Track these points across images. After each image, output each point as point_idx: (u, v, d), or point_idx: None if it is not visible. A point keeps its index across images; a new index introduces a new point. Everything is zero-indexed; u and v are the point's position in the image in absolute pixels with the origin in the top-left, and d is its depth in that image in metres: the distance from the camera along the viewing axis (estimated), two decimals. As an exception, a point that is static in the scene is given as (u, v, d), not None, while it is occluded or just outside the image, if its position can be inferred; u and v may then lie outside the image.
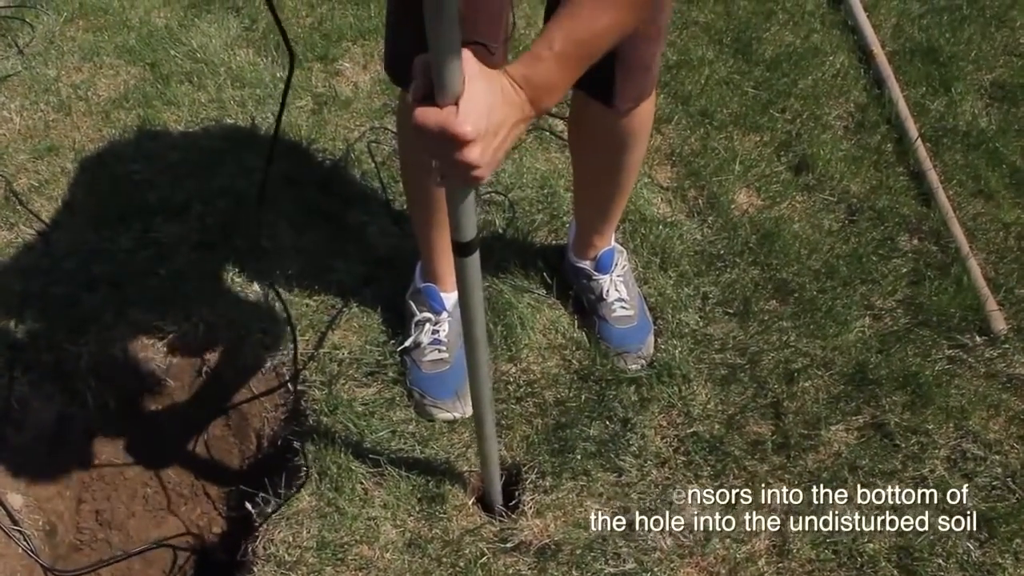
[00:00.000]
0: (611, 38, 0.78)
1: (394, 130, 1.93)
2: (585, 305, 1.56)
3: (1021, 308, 1.63)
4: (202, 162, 1.89)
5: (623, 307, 1.49)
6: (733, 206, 1.79)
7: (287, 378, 1.49)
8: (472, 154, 0.73)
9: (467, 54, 0.73)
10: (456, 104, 0.72)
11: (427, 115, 0.73)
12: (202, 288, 1.64)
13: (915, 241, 1.76)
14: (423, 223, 1.41)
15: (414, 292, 1.50)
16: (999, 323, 1.58)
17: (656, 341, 1.53)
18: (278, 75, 2.12)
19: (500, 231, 1.70)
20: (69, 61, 2.25)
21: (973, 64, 2.23)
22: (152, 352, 1.59)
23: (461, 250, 0.89)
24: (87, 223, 1.79)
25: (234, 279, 1.65)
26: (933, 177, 1.87)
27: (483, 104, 0.73)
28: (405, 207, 1.75)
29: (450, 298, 1.48)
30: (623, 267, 1.53)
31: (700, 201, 1.81)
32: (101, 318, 1.61)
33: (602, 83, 1.15)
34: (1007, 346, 1.56)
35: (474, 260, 0.91)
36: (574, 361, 1.50)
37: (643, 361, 1.48)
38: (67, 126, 2.04)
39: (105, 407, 1.59)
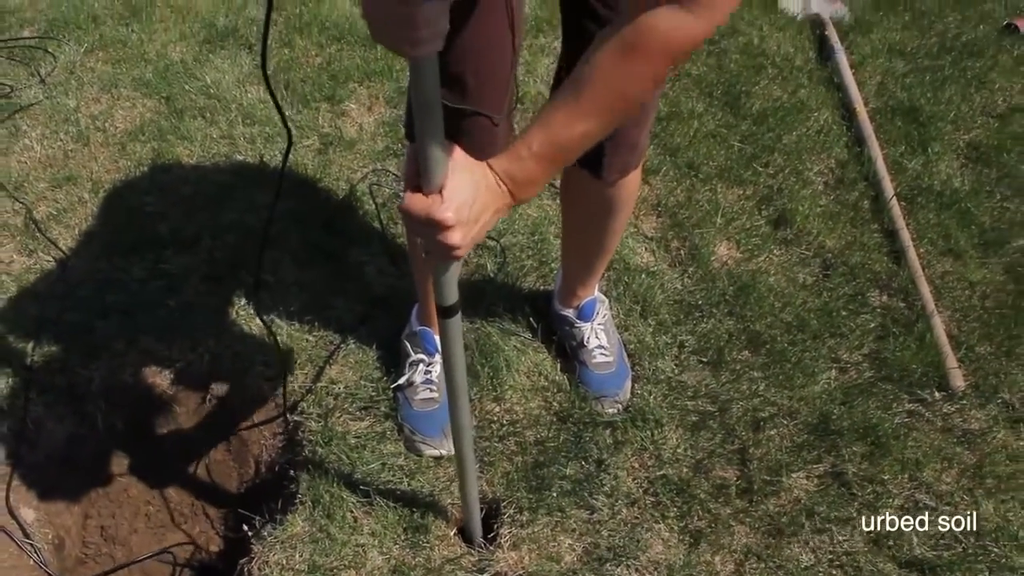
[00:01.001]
0: (587, 142, 0.88)
1: (395, 172, 2.06)
2: (567, 350, 1.68)
3: (980, 366, 1.75)
4: (213, 197, 2.02)
5: (603, 354, 1.62)
6: (713, 258, 1.92)
7: (286, 410, 1.61)
8: (453, 238, 0.84)
9: (454, 147, 0.85)
10: (440, 193, 0.84)
11: (413, 202, 0.84)
12: (208, 319, 1.76)
13: (884, 297, 1.88)
14: (421, 271, 1.53)
15: (410, 334, 1.63)
16: (957, 380, 1.70)
17: (633, 386, 1.65)
18: (288, 114, 2.26)
19: (491, 275, 1.83)
20: (88, 92, 2.38)
21: (952, 124, 2.36)
22: (159, 379, 1.71)
23: (443, 313, 1.02)
24: (102, 252, 1.91)
25: (239, 312, 1.77)
26: (905, 236, 1.99)
27: (466, 194, 0.84)
28: (403, 247, 1.87)
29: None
30: (604, 316, 1.65)
31: (682, 252, 1.93)
32: (113, 345, 1.73)
33: (591, 155, 1.27)
34: (964, 402, 1.68)
35: (456, 321, 1.03)
36: (555, 403, 1.62)
37: (620, 405, 1.60)
38: (85, 156, 2.17)
39: (113, 429, 1.71)
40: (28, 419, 1.63)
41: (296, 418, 1.60)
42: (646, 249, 1.94)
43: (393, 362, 1.67)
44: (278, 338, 1.69)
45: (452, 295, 1.00)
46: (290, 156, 2.08)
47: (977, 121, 2.39)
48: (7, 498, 1.54)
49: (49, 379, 1.69)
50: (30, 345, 1.73)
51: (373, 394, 1.62)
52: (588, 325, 1.62)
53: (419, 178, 0.85)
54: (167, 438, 1.72)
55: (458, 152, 0.85)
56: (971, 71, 2.56)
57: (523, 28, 1.21)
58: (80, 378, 1.69)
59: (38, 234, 1.96)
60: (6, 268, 1.88)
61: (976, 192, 2.14)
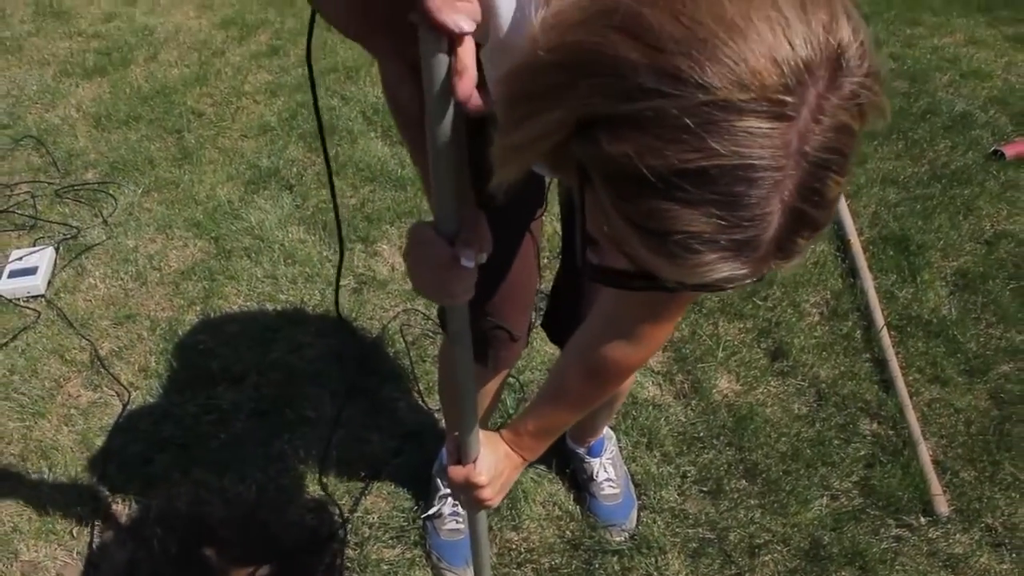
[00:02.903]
0: (575, 420, 1.18)
1: (424, 312, 2.32)
2: (579, 481, 1.89)
3: (964, 491, 1.93)
4: (258, 336, 2.29)
5: (610, 486, 1.83)
6: (715, 390, 2.14)
7: (325, 538, 1.83)
8: (486, 493, 1.12)
9: (481, 432, 1.11)
10: (474, 463, 1.12)
11: (456, 472, 1.13)
12: (255, 452, 2.00)
13: (874, 425, 2.08)
14: (450, 412, 1.76)
15: (439, 469, 1.85)
16: (942, 506, 1.89)
17: (639, 515, 1.85)
18: (324, 254, 2.54)
19: (511, 411, 2.06)
20: (145, 232, 2.69)
21: (940, 252, 2.59)
22: (211, 508, 1.94)
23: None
24: (159, 387, 2.17)
25: (283, 446, 2.01)
26: (894, 365, 2.20)
27: (492, 462, 1.13)
28: (432, 385, 2.11)
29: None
30: (612, 451, 1.87)
31: (686, 385, 2.16)
32: (169, 476, 1.97)
33: None
34: (948, 527, 1.86)
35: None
36: (568, 531, 1.83)
37: (626, 534, 1.81)
38: (143, 295, 2.46)
39: (168, 553, 1.93)
40: (93, 543, 1.86)
41: (335, 546, 1.82)
42: (653, 383, 2.17)
43: (423, 493, 1.89)
44: (319, 474, 1.92)
45: (473, 454, 1.24)
46: (326, 295, 2.36)
47: (965, 248, 2.61)
48: (77, 621, 1.76)
49: (113, 507, 1.93)
50: (97, 476, 1.97)
51: (404, 523, 1.84)
52: (597, 460, 1.85)
53: (458, 453, 1.13)
54: (217, 562, 1.93)
55: (483, 434, 1.13)
56: (960, 198, 2.81)
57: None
58: (139, 506, 1.93)
59: (102, 370, 2.22)
60: (75, 402, 2.15)
61: (963, 319, 2.36)
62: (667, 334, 1.08)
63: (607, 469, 1.85)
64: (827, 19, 0.53)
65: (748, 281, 0.60)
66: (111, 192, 2.87)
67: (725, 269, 0.57)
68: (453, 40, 0.66)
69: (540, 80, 0.59)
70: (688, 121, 0.52)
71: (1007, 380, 2.19)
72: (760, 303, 2.39)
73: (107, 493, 1.95)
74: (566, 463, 1.94)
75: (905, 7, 4.16)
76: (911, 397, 2.13)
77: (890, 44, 3.81)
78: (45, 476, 1.95)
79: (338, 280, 1.32)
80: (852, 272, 2.51)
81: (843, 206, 2.71)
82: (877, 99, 0.56)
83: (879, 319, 2.33)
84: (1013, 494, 1.93)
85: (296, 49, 3.77)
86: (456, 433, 1.12)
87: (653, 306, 0.99)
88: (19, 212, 2.78)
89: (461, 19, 0.65)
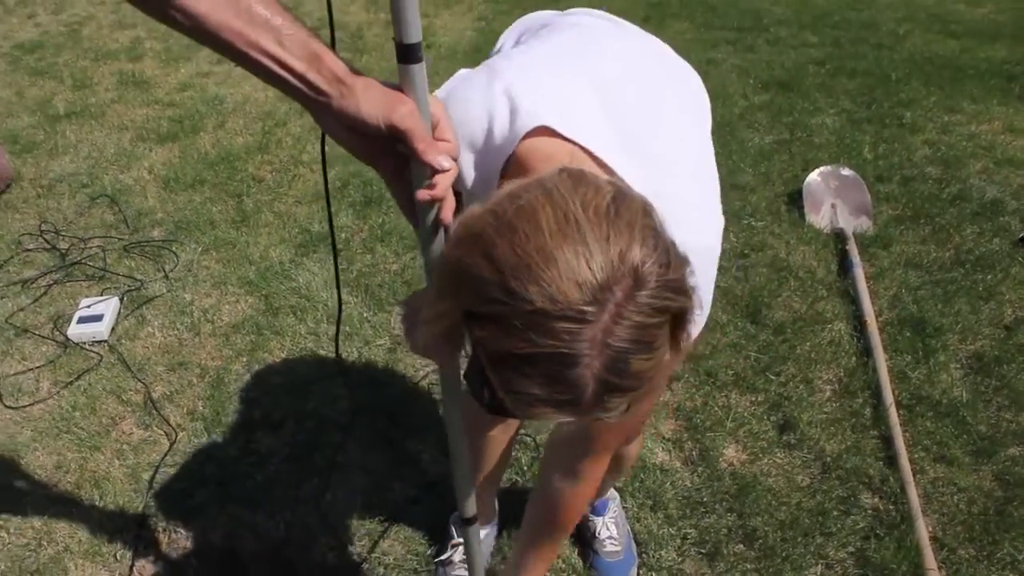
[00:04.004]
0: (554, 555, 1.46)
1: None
2: (583, 538, 2.04)
3: (960, 568, 2.02)
4: (297, 387, 2.51)
5: (612, 543, 1.98)
6: (721, 459, 2.28)
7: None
8: None
9: None
10: None
11: None
12: (287, 494, 2.20)
13: (875, 500, 2.19)
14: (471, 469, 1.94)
15: (455, 518, 2.02)
16: (935, 581, 1.98)
17: (639, 572, 1.99)
18: (364, 315, 2.77)
19: (524, 468, 2.23)
20: (202, 288, 2.96)
21: (958, 336, 2.70)
22: (243, 541, 2.14)
23: (466, 522, 1.43)
24: (204, 430, 2.40)
25: (312, 489, 2.21)
26: (899, 442, 2.31)
27: None
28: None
29: (483, 530, 1.99)
30: (615, 511, 2.03)
31: (694, 453, 2.30)
32: (207, 510, 2.18)
33: None
34: (941, 602, 1.96)
35: (475, 528, 1.44)
36: (570, 584, 1.98)
37: (625, 589, 1.95)
38: (195, 345, 2.71)
39: (201, 584, 2.12)
40: (135, 567, 2.07)
41: (352, 584, 2.00)
42: (663, 449, 2.31)
43: (438, 538, 2.06)
44: (343, 516, 2.11)
45: (471, 511, 1.42)
46: (363, 352, 2.58)
47: (983, 332, 2.72)
48: (115, 639, 1.95)
49: (155, 535, 2.14)
50: (142, 506, 2.19)
51: (416, 566, 2.01)
52: (600, 519, 2.00)
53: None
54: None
55: None
56: (982, 283, 2.92)
57: None
58: (178, 535, 2.14)
59: (154, 411, 2.46)
60: (127, 439, 2.39)
61: (974, 401, 2.45)
62: (603, 469, 1.37)
63: (609, 527, 2.00)
64: (624, 247, 0.76)
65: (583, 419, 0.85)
66: (174, 249, 3.16)
67: (557, 417, 0.81)
68: (436, 172, 0.91)
69: (442, 277, 0.87)
70: (517, 322, 0.76)
71: (1015, 463, 2.27)
72: (773, 378, 2.53)
73: (150, 522, 2.16)
74: (572, 519, 2.09)
75: (944, 95, 4.31)
76: (915, 475, 2.23)
77: (927, 131, 3.96)
78: (96, 503, 2.18)
79: (339, 291, 1.51)
80: (866, 351, 2.63)
81: (862, 288, 2.85)
82: (674, 304, 0.80)
83: (888, 397, 2.45)
84: (1010, 574, 2.01)
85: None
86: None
87: (584, 443, 1.31)
88: (91, 264, 3.08)
89: (442, 158, 0.90)
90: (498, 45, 1.39)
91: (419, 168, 0.92)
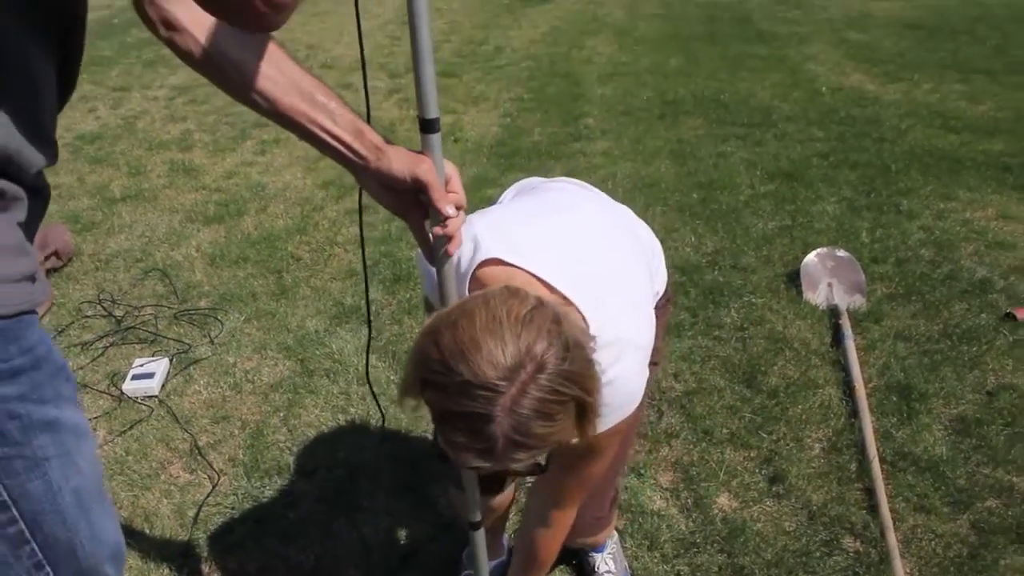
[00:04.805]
0: None
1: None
2: (583, 572, 2.27)
3: (934, 606, 2.22)
4: (329, 439, 2.79)
5: None
6: (714, 506, 2.50)
7: (367, 601, 2.24)
8: None
9: None
10: None
11: None
12: (317, 530, 2.45)
13: (857, 544, 2.39)
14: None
15: (467, 552, 2.26)
16: (908, 616, 2.17)
17: (634, 602, 2.21)
18: (391, 377, 3.06)
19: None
20: (244, 352, 3.28)
21: (942, 400, 2.93)
22: (276, 573, 2.38)
23: (471, 527, 1.68)
24: (244, 474, 2.67)
25: (340, 527, 2.46)
26: (882, 494, 2.52)
27: None
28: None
29: (492, 562, 2.22)
30: (612, 548, 2.25)
31: (689, 500, 2.52)
32: (245, 543, 2.43)
33: None
34: (915, 636, 2.15)
35: (480, 533, 1.69)
36: (571, 611, 2.19)
37: (621, 618, 2.16)
38: (237, 402, 3.01)
39: (236, 612, 2.36)
40: (179, 598, 2.31)
41: (373, 609, 2.23)
42: (660, 497, 2.54)
43: (451, 572, 2.29)
44: (366, 550, 2.36)
45: (476, 516, 1.67)
46: (391, 410, 2.85)
47: (967, 397, 2.94)
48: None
49: (197, 565, 2.38)
50: (186, 539, 2.45)
51: (432, 594, 2.24)
52: (600, 555, 2.23)
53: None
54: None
55: None
56: (968, 354, 3.15)
57: None
58: (218, 565, 2.38)
59: (199, 457, 2.74)
60: (174, 481, 2.66)
61: (954, 458, 2.66)
62: (571, 518, 1.68)
63: (608, 563, 2.22)
64: (531, 342, 1.08)
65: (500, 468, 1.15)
66: (219, 317, 3.49)
67: (478, 463, 1.12)
68: (445, 218, 1.25)
69: (411, 356, 1.18)
70: (452, 389, 1.08)
71: (990, 513, 2.47)
72: (766, 436, 2.77)
73: (194, 552, 2.41)
74: (573, 555, 2.32)
75: (941, 184, 4.63)
76: (895, 522, 2.44)
77: (923, 217, 4.26)
78: (146, 535, 2.44)
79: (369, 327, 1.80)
80: (855, 413, 2.86)
81: (853, 358, 3.09)
82: (569, 390, 1.11)
83: (872, 451, 2.67)
84: (980, 612, 2.20)
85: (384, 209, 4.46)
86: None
87: (554, 497, 1.63)
88: (143, 329, 3.42)
89: (450, 208, 1.25)
90: (500, 197, 1.82)
91: (434, 214, 1.25)
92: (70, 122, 5.96)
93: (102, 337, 3.39)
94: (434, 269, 1.34)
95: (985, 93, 6.45)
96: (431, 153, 1.24)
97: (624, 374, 1.40)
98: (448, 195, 1.25)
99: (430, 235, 1.29)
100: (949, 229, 4.12)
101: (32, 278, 1.01)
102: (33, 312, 1.01)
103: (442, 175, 1.25)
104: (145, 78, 7.34)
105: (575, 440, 1.20)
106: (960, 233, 4.08)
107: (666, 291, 1.76)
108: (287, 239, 4.19)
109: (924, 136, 5.46)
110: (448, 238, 1.27)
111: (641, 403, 1.51)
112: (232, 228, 4.33)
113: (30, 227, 1.05)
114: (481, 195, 4.63)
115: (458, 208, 1.27)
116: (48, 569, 1.06)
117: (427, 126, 1.23)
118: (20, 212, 1.01)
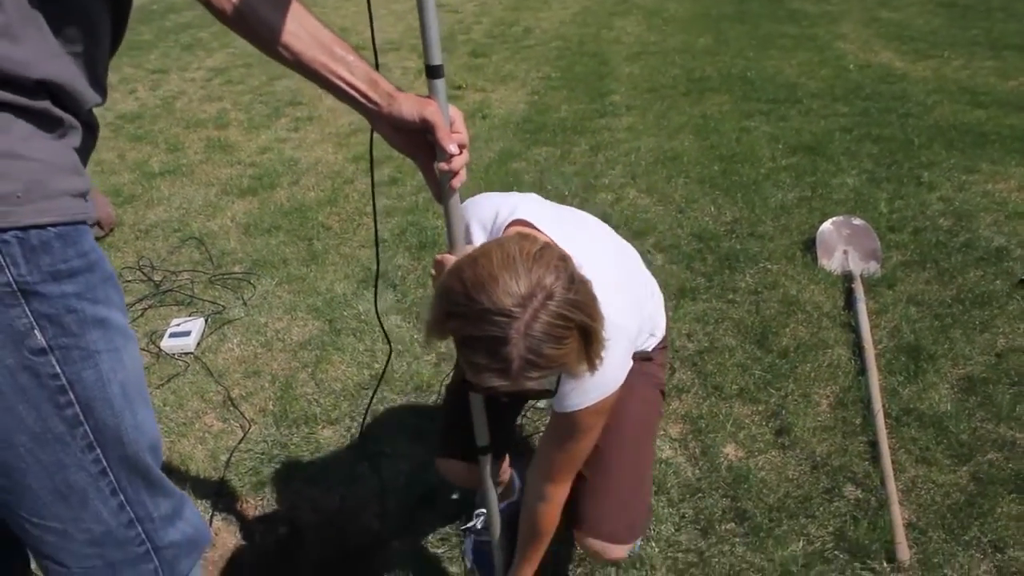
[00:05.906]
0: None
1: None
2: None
3: (928, 547, 2.30)
4: (353, 392, 2.94)
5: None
6: (721, 455, 2.61)
7: (387, 539, 2.38)
8: None
9: None
10: None
11: None
12: (340, 473, 2.60)
13: (857, 491, 2.48)
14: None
15: (480, 496, 2.38)
16: (904, 553, 2.26)
17: (639, 544, 2.32)
18: (414, 336, 3.20)
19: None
20: (275, 313, 3.44)
21: (951, 361, 3.00)
22: (301, 512, 2.53)
23: (481, 451, 1.81)
24: (273, 423, 2.83)
25: (363, 470, 2.60)
26: (884, 445, 2.60)
27: None
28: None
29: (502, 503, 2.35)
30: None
31: (697, 450, 2.63)
32: (273, 485, 2.59)
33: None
34: (909, 572, 2.24)
35: (487, 458, 1.82)
36: (575, 546, 2.31)
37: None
38: (268, 358, 3.17)
39: (266, 542, 2.51)
40: (212, 529, 2.47)
41: (395, 544, 2.37)
42: (669, 447, 2.66)
43: (468, 513, 2.43)
44: (388, 492, 2.50)
45: (484, 439, 1.80)
46: (411, 365, 2.99)
47: (975, 359, 3.01)
48: None
49: (230, 503, 2.55)
50: (219, 480, 2.61)
51: (448, 531, 2.38)
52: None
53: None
54: (303, 554, 2.51)
55: None
56: (979, 318, 3.22)
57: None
58: (248, 504, 2.54)
59: (231, 407, 2.91)
60: (208, 429, 2.83)
61: (958, 414, 2.74)
62: (564, 492, 1.81)
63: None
64: (542, 275, 1.24)
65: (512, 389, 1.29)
66: (252, 282, 3.66)
67: (497, 382, 1.26)
68: (450, 156, 1.40)
69: (436, 295, 1.32)
70: (473, 317, 1.23)
71: (991, 466, 2.55)
72: (775, 392, 2.87)
73: (226, 490, 2.58)
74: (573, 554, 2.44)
75: (964, 157, 4.65)
76: (896, 472, 2.53)
77: (943, 188, 4.30)
78: (181, 475, 2.61)
79: (376, 289, 1.94)
80: (863, 372, 2.95)
81: (864, 320, 3.17)
82: (576, 316, 1.25)
83: (877, 404, 2.75)
84: (975, 553, 2.28)
85: (412, 180, 4.61)
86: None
87: (549, 472, 1.77)
88: (181, 292, 3.60)
89: (452, 145, 1.39)
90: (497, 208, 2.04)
91: (440, 151, 1.37)
92: (111, 102, 6.17)
93: (141, 299, 3.57)
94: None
95: (1017, 69, 6.43)
96: (436, 96, 1.37)
97: (612, 361, 1.54)
98: (452, 135, 1.38)
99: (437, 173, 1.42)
100: (969, 200, 4.16)
101: (85, 196, 1.15)
102: (86, 224, 1.15)
103: (447, 117, 1.38)
104: (183, 61, 7.56)
105: (583, 367, 1.34)
106: (980, 204, 4.12)
107: (664, 337, 1.97)
108: (318, 210, 4.35)
109: (950, 111, 5.47)
110: (452, 174, 1.40)
111: (647, 403, 1.85)
112: (265, 200, 4.49)
113: (82, 155, 1.19)
114: (507, 168, 4.75)
115: (461, 147, 1.39)
116: (98, 451, 1.21)
117: (432, 72, 1.36)
118: (76, 139, 1.16)
